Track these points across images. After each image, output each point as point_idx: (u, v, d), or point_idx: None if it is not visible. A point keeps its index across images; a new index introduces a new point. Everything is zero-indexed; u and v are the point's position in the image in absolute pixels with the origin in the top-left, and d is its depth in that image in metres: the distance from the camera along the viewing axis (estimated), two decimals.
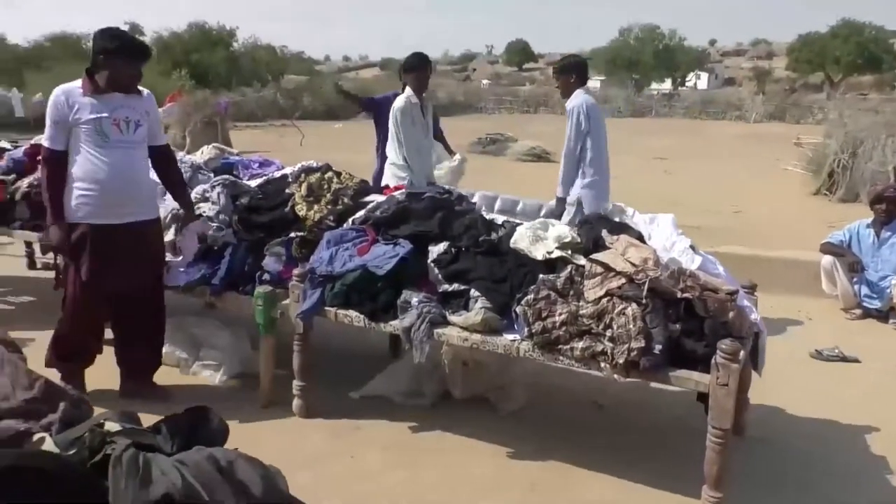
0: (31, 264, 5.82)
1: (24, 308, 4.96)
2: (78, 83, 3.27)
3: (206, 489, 1.16)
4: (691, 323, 2.72)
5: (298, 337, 3.40)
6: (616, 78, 46.42)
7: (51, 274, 5.07)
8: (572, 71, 4.69)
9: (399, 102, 4.65)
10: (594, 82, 40.73)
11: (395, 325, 3.16)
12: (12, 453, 1.11)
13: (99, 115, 3.22)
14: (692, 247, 3.19)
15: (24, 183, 4.47)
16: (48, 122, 3.24)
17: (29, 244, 5.57)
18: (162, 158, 3.57)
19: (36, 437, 1.20)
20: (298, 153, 14.55)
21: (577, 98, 4.62)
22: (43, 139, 3.32)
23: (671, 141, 21.24)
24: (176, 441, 1.40)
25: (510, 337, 2.96)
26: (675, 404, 3.56)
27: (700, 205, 9.49)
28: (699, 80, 58.62)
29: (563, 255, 3.10)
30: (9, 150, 4.96)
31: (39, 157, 4.71)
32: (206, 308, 4.35)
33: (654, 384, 3.10)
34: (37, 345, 3.61)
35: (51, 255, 5.00)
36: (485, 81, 43.80)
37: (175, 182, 3.64)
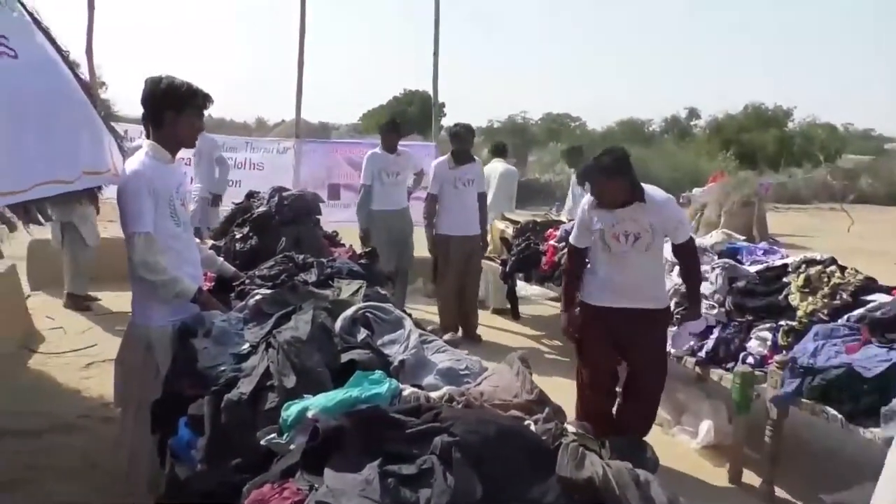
0: None
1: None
2: None
3: (620, 488, 1.60)
4: None
5: (772, 422, 3.50)
6: None
7: None
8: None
9: None
10: None
11: (875, 433, 3.01)
12: (514, 424, 1.76)
13: None
14: None
15: None
16: None
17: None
18: None
19: (526, 423, 1.85)
20: (842, 239, 13.53)
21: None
22: None
23: None
24: (613, 454, 1.89)
25: None
26: None
27: None
28: None
29: None
30: (563, 222, 6.27)
31: None
32: (695, 378, 4.72)
33: None
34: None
35: None
36: None
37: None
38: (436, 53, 9.17)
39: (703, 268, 4.32)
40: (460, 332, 6.18)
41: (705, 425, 4.06)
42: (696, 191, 16.14)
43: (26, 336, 5.61)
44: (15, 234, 3.01)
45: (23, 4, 2.95)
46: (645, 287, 3.60)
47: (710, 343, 3.93)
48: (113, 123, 6.99)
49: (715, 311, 4.02)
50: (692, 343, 3.98)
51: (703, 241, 4.78)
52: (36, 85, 2.45)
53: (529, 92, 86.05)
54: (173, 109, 2.77)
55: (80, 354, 5.32)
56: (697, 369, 4.01)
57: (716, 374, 3.85)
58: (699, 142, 34.77)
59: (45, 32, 3.04)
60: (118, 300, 6.01)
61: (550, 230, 6.17)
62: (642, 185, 3.54)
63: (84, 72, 8.90)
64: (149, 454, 2.59)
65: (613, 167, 3.45)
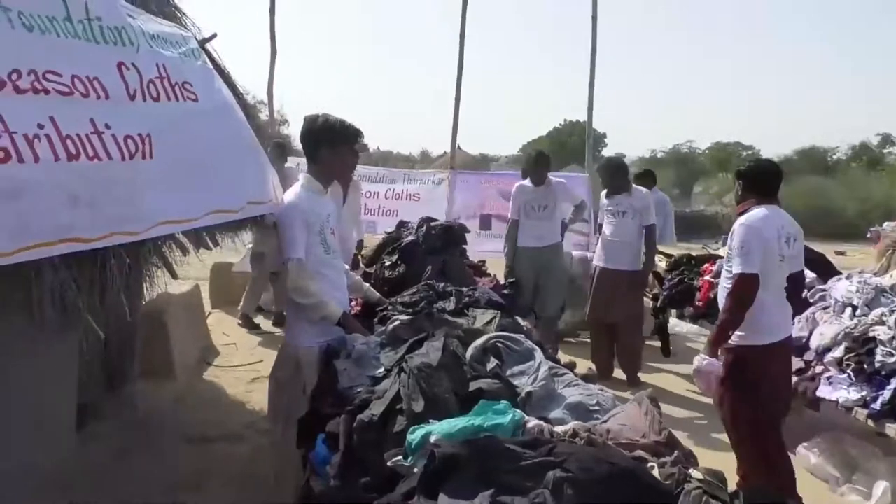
0: None
1: None
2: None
3: None
4: None
5: None
6: None
7: None
8: None
9: None
10: None
11: None
12: (633, 466, 1.70)
13: None
14: None
15: None
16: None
17: None
18: None
19: (649, 465, 1.77)
20: None
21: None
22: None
23: None
24: None
25: None
26: None
27: None
28: None
29: None
30: (721, 257, 5.92)
31: None
32: (871, 432, 4.23)
33: None
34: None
35: None
36: None
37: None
38: (591, 84, 9.10)
39: (881, 310, 3.91)
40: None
41: (881, 486, 3.63)
42: (886, 225, 14.50)
43: (205, 350, 6.20)
44: (200, 257, 3.32)
45: (208, 53, 3.35)
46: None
47: (885, 394, 3.51)
48: (292, 157, 7.65)
49: (892, 359, 3.60)
50: (866, 393, 3.57)
51: (882, 280, 4.31)
52: (211, 125, 2.77)
53: (697, 119, 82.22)
54: (328, 145, 2.99)
55: (248, 369, 5.79)
56: (870, 422, 3.60)
57: (892, 429, 3.44)
58: (894, 170, 31.26)
59: (226, 79, 3.43)
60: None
61: (707, 265, 5.87)
62: (755, 206, 3.36)
63: (266, 111, 9.92)
64: (296, 466, 2.77)
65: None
